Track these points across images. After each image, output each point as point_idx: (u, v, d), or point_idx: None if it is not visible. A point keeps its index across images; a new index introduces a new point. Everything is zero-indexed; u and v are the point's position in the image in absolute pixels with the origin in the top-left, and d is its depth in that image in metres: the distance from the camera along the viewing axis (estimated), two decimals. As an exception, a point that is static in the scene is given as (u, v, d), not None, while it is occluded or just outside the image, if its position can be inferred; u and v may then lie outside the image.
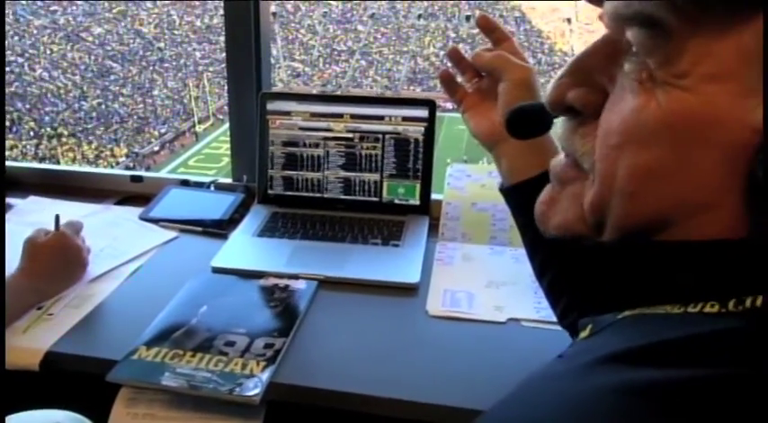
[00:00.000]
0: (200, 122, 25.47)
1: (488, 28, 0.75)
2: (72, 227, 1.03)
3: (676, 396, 0.27)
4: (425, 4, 32.22)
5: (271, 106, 1.24)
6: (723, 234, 0.32)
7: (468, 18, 31.29)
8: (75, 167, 1.92)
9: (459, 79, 0.79)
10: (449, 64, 0.80)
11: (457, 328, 0.92)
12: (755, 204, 0.31)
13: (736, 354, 0.28)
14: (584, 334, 0.39)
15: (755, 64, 0.29)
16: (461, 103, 0.78)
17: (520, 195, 0.72)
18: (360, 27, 32.50)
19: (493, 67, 0.72)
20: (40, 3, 28.19)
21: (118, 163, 21.56)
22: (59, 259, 0.98)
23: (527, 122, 0.47)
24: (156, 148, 23.58)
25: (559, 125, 0.42)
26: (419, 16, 32.24)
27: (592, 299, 0.40)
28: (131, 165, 21.32)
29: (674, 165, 0.32)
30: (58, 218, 1.02)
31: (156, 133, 24.32)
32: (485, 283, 1.02)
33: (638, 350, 0.31)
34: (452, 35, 30.69)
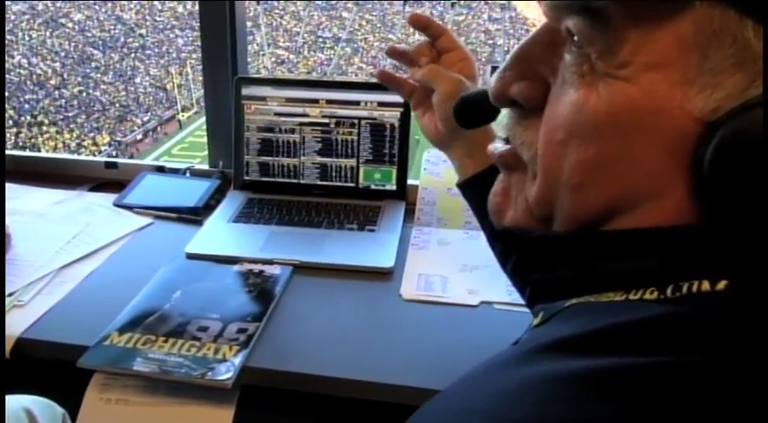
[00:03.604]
0: (183, 110, 25.22)
1: (422, 25, 0.75)
2: None
3: (600, 383, 0.27)
4: (411, -10, 32.06)
5: (246, 91, 1.23)
6: (669, 221, 0.32)
7: (453, 4, 31.18)
8: (49, 154, 1.89)
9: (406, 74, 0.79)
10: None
11: (430, 312, 0.93)
12: (700, 192, 0.31)
13: (661, 341, 0.28)
14: (536, 321, 0.39)
15: (694, 52, 0.29)
16: (411, 98, 0.78)
17: (472, 189, 0.75)
18: (345, 14, 32.26)
19: (425, 80, 0.73)
20: (17, -13, 27.59)
21: (100, 151, 21.29)
22: None
23: (473, 113, 0.47)
24: (139, 137, 23.33)
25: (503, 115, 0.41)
26: (404, 3, 32.05)
27: (546, 286, 0.40)
28: (114, 153, 21.07)
29: (619, 155, 0.32)
30: None
31: (139, 121, 24.04)
32: (459, 267, 1.02)
33: (573, 339, 0.31)
34: (438, 22, 30.52)
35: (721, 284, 0.29)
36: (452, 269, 1.02)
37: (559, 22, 0.35)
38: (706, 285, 0.30)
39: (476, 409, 0.30)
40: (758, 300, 0.29)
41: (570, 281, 0.36)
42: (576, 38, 0.33)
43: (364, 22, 31.79)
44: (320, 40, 31.31)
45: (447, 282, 0.99)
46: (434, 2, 32.06)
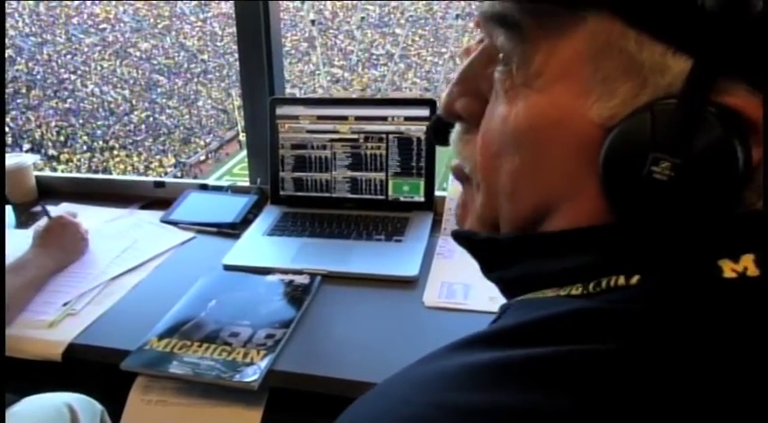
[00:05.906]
0: (243, 131, 26.02)
1: None
2: (68, 212, 1.20)
3: (498, 372, 0.29)
4: (462, 3, 32.06)
5: (280, 111, 1.30)
6: (588, 221, 0.34)
7: (506, 16, 30.94)
8: (104, 175, 2.02)
9: None
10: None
11: (451, 318, 0.95)
12: (606, 194, 0.33)
13: (567, 332, 0.30)
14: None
15: (588, 64, 0.32)
16: None
17: None
18: (398, 30, 32.60)
19: None
20: (90, 22, 29.38)
21: (166, 173, 22.23)
22: (64, 234, 1.14)
23: (445, 132, 0.50)
24: (203, 158, 24.24)
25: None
26: (457, 16, 32.09)
27: (502, 286, 0.41)
28: (179, 174, 21.96)
29: (539, 163, 0.35)
30: (45, 207, 1.19)
31: (202, 143, 24.99)
32: (482, 275, 1.04)
33: (491, 333, 0.33)
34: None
35: (634, 279, 0.31)
36: (476, 277, 1.03)
37: (492, 40, 0.37)
38: (621, 280, 0.31)
39: (392, 394, 0.32)
40: (665, 292, 0.30)
41: (516, 280, 0.38)
42: (501, 54, 0.36)
43: (417, 37, 32.03)
44: (374, 57, 31.76)
45: (469, 289, 1.01)
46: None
